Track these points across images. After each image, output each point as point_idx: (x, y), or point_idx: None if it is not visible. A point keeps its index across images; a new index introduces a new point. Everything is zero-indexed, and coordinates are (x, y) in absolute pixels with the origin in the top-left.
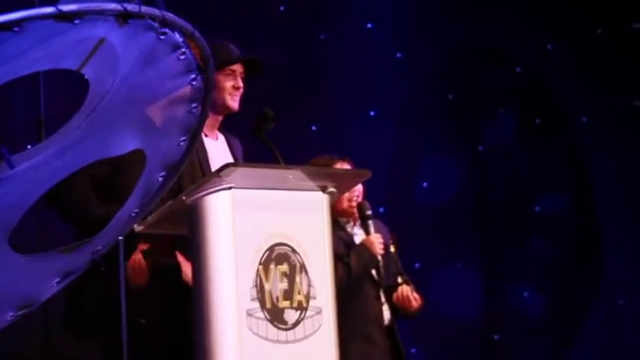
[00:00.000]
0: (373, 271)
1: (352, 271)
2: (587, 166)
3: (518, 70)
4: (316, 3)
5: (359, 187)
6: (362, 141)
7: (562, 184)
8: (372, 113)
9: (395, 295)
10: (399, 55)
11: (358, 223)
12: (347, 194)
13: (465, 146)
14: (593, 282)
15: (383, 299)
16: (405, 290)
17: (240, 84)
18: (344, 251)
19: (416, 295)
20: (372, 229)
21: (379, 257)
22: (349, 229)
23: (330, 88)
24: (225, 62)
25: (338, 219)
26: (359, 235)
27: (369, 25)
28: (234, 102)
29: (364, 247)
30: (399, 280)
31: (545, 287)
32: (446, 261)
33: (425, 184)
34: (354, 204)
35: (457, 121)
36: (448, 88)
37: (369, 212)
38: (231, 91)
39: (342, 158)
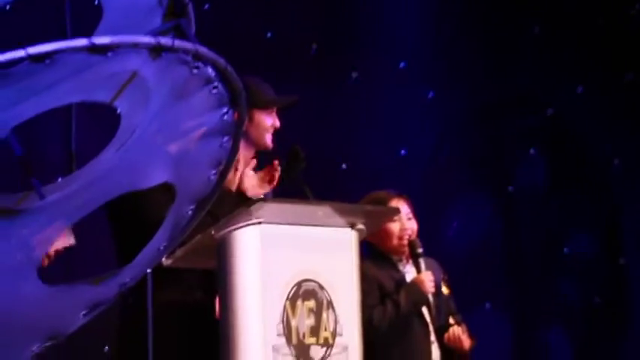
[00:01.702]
0: (424, 310)
1: (401, 308)
2: (617, 208)
3: (549, 112)
4: (348, 41)
5: (412, 225)
6: (392, 180)
7: (591, 226)
8: (402, 152)
9: (446, 336)
10: (430, 94)
11: (410, 261)
12: (397, 232)
13: (495, 187)
14: (622, 326)
15: (433, 338)
16: (457, 330)
17: (278, 123)
18: (394, 289)
19: (467, 335)
20: (422, 266)
21: (429, 295)
22: (401, 268)
23: (361, 126)
24: (269, 102)
25: (390, 256)
26: (410, 274)
27: (401, 65)
28: (270, 141)
29: (414, 284)
30: (451, 320)
31: (574, 330)
32: (474, 301)
33: (454, 225)
34: (405, 241)
35: (488, 162)
36: (479, 129)
37: (421, 250)
38: (270, 129)
39: (400, 195)
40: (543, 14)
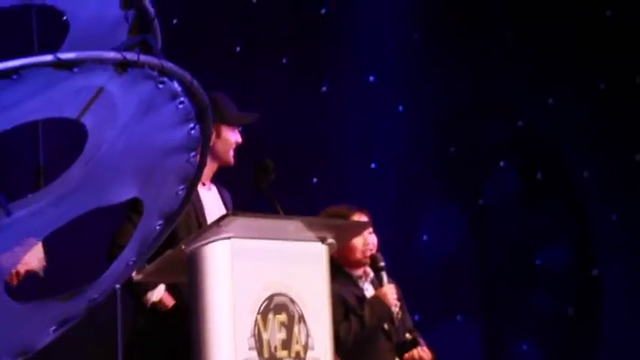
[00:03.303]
0: (385, 325)
1: (366, 323)
2: (589, 220)
3: (519, 124)
4: (318, 55)
5: (373, 240)
6: (363, 193)
7: (563, 237)
8: (373, 166)
9: (406, 356)
10: (400, 108)
11: (369, 278)
12: (360, 246)
13: (466, 199)
14: (595, 337)
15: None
16: (417, 353)
17: (240, 139)
18: (356, 304)
19: (426, 352)
20: (385, 280)
21: (393, 308)
22: (361, 284)
23: (332, 140)
24: (236, 119)
25: (351, 273)
26: (370, 291)
27: (371, 78)
28: (232, 157)
29: (377, 298)
30: (408, 336)
31: (545, 341)
32: (446, 314)
33: (425, 237)
34: (368, 256)
35: (458, 175)
36: (449, 141)
37: (383, 264)
38: (233, 145)
39: (361, 210)
40: (513, 25)
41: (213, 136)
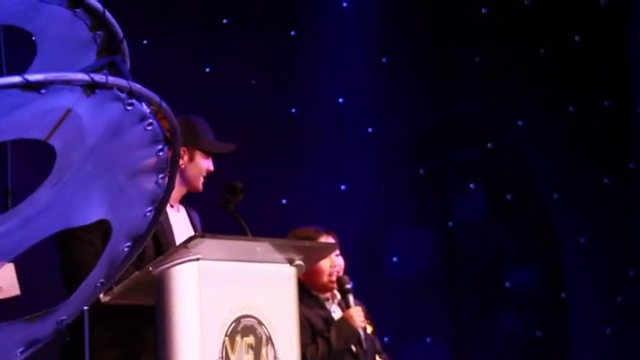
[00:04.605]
0: (353, 347)
1: (332, 345)
2: (558, 242)
3: (489, 146)
4: (287, 76)
5: (340, 262)
6: (332, 215)
7: (532, 260)
8: (342, 187)
9: None
10: (370, 129)
11: (337, 300)
12: (327, 269)
13: (435, 221)
14: (561, 359)
15: None
16: None
17: (212, 167)
18: (323, 327)
19: None
20: (352, 302)
21: (360, 330)
22: (328, 306)
23: (301, 162)
24: (213, 148)
25: (318, 295)
26: (337, 313)
27: (340, 100)
28: (202, 183)
29: (344, 321)
30: (378, 359)
31: None
32: (415, 335)
33: (395, 259)
34: (334, 278)
35: (428, 197)
36: (419, 163)
37: (349, 286)
38: (205, 172)
39: (327, 232)
40: (483, 47)
41: (186, 160)
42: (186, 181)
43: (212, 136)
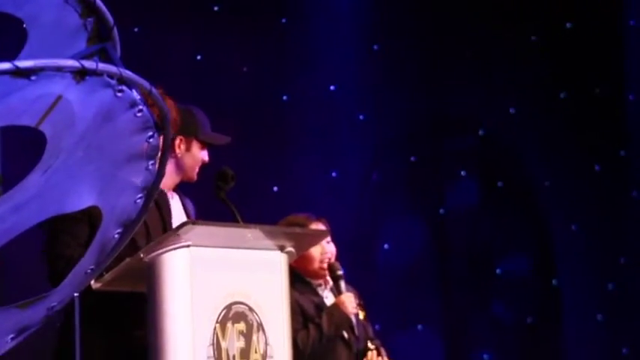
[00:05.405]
0: (345, 333)
1: (324, 332)
2: (549, 229)
3: (480, 133)
4: (279, 64)
5: (331, 249)
6: (323, 202)
7: (524, 247)
8: (333, 174)
9: None
10: (361, 117)
11: (329, 286)
12: (318, 255)
13: (426, 209)
14: (553, 346)
15: None
16: (372, 355)
17: (207, 159)
18: (315, 313)
19: None
20: (343, 288)
21: (352, 317)
22: (320, 292)
23: (292, 149)
24: (210, 139)
25: (310, 281)
26: (330, 299)
27: (331, 87)
28: (196, 174)
29: (336, 307)
30: (370, 345)
31: (506, 351)
32: (407, 323)
33: (386, 246)
34: (325, 265)
35: (419, 184)
36: (410, 150)
37: (340, 272)
38: (200, 163)
39: (319, 219)
40: (474, 34)
41: (183, 149)
42: (181, 170)
43: (209, 127)
